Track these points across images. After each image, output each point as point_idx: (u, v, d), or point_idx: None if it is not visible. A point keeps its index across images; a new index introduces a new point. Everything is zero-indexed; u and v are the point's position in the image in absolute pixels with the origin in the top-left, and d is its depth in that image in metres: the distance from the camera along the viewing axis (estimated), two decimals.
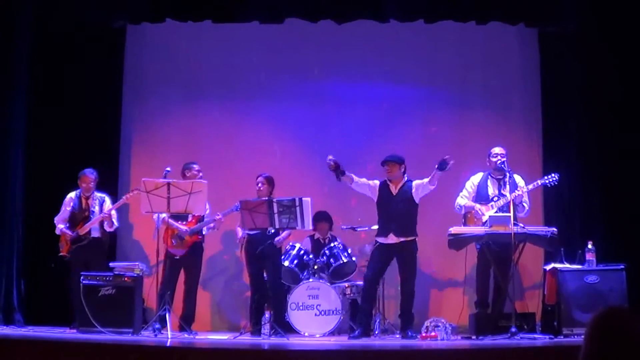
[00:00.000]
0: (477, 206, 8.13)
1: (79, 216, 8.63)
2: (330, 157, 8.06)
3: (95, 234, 8.62)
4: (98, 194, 8.73)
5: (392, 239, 8.03)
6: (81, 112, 9.42)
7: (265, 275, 8.56)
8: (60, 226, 8.62)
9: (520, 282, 9.09)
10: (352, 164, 9.23)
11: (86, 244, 8.53)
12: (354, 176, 8.22)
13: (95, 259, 8.53)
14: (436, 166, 7.88)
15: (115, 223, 8.70)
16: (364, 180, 8.27)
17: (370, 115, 9.99)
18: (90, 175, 8.67)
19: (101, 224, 8.62)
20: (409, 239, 8.06)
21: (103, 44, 9.54)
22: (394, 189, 8.15)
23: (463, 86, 9.93)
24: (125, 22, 9.61)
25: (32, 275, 9.11)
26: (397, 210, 8.07)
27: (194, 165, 8.65)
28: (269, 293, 8.39)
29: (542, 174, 8.96)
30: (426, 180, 8.04)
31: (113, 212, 8.65)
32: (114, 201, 8.73)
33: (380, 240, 8.12)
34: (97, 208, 8.64)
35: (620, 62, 9.04)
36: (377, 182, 8.26)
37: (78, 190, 8.69)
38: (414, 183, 8.13)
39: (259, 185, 8.56)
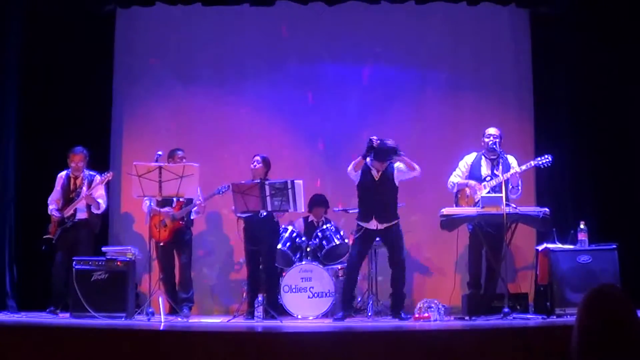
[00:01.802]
0: (471, 182, 8.12)
1: (67, 197, 8.49)
2: (376, 139, 7.89)
3: (82, 215, 8.46)
4: (88, 173, 8.55)
5: (374, 225, 8.00)
6: (72, 95, 9.38)
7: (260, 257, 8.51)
8: (51, 206, 8.52)
9: (512, 263, 9.12)
10: (343, 146, 9.26)
11: (70, 227, 8.42)
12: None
13: (82, 241, 8.43)
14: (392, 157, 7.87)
15: (103, 205, 8.52)
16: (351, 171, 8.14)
17: (361, 97, 9.96)
18: (79, 153, 8.50)
19: (88, 205, 8.47)
20: (392, 224, 8.04)
21: (93, 27, 9.49)
22: (375, 174, 8.05)
23: (454, 67, 9.92)
24: (115, 6, 9.57)
25: (25, 260, 9.08)
26: (379, 197, 7.99)
27: (179, 152, 8.60)
28: (262, 276, 8.38)
29: (535, 154, 8.97)
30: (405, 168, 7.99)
31: (101, 192, 8.50)
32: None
33: (363, 224, 8.05)
34: (84, 188, 8.45)
35: (611, 43, 9.03)
36: (359, 163, 8.06)
37: (68, 169, 8.57)
38: (396, 166, 8.05)
39: (255, 164, 8.49)
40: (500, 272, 7.86)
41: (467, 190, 8.13)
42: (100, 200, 8.49)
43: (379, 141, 7.86)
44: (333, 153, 9.67)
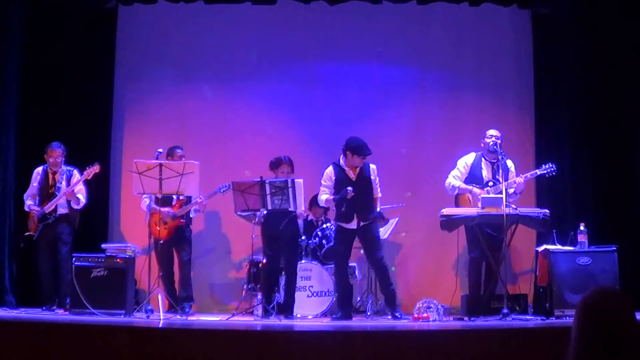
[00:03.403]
0: (475, 190, 8.08)
1: (45, 192, 8.47)
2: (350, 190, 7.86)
3: (63, 210, 8.44)
4: (65, 168, 8.54)
5: (354, 224, 7.92)
6: (73, 92, 9.37)
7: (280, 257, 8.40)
8: (28, 202, 8.52)
9: (512, 264, 9.11)
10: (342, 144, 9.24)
11: (52, 222, 8.39)
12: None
13: (63, 237, 8.41)
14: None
15: (83, 200, 8.47)
16: (326, 190, 8.09)
17: (362, 97, 9.94)
18: (57, 149, 8.50)
19: (69, 200, 8.43)
20: (371, 221, 7.99)
21: (95, 24, 9.49)
22: (352, 174, 7.98)
23: (455, 68, 9.91)
24: (117, 3, 9.56)
25: (24, 256, 9.06)
26: (359, 196, 7.88)
27: (177, 150, 8.59)
28: (277, 277, 8.31)
29: (535, 155, 9.00)
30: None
31: (80, 187, 8.43)
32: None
33: (343, 224, 7.97)
34: (64, 183, 8.44)
35: (612, 44, 9.03)
36: (330, 171, 8.06)
37: (45, 165, 8.55)
38: (372, 167, 8.03)
39: (285, 172, 8.29)
40: (500, 273, 7.86)
41: (469, 196, 8.09)
42: (79, 196, 8.45)
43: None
44: (333, 152, 9.64)
